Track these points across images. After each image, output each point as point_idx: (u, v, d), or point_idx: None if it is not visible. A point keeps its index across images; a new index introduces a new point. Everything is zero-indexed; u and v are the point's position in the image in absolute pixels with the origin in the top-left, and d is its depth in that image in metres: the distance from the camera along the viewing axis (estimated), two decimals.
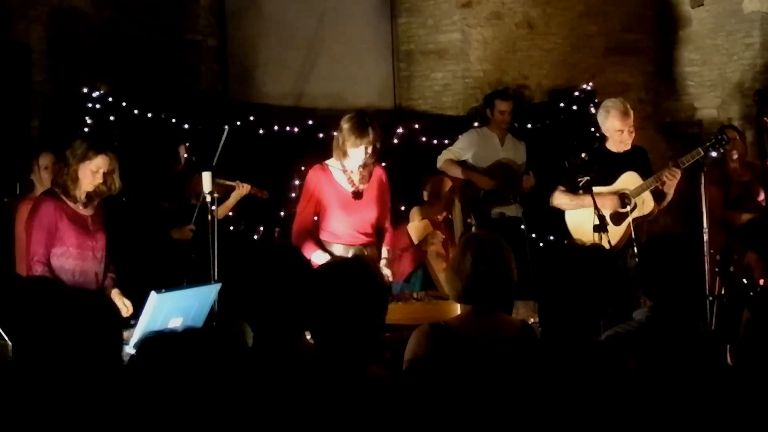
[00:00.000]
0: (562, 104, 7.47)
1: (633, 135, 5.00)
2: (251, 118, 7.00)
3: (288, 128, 7.07)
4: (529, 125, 7.22)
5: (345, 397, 2.19)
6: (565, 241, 5.14)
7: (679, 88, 7.80)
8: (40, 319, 2.40)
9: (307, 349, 2.40)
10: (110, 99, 6.57)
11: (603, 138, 5.10)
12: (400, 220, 6.12)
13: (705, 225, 4.83)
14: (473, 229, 5.20)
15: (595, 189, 4.69)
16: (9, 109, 6.21)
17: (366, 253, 4.41)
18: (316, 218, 4.53)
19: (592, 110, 7.11)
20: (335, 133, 4.47)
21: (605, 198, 4.80)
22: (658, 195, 4.94)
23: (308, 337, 2.46)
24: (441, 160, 6.23)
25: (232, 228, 6.39)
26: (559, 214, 5.12)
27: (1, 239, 5.01)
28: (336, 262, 2.58)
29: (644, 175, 4.91)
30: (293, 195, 6.42)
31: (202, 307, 3.63)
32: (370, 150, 4.36)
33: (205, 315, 3.67)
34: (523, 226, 5.57)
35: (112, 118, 6.56)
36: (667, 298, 2.85)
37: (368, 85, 7.91)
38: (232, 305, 2.78)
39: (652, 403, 2.51)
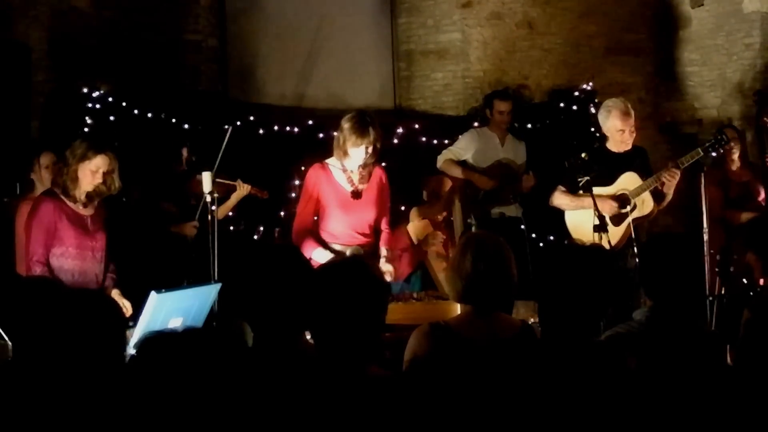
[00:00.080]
0: (562, 104, 7.48)
1: (634, 135, 5.00)
2: (251, 118, 7.00)
3: (288, 128, 7.06)
4: (529, 125, 7.22)
5: (345, 397, 2.19)
6: (565, 241, 5.14)
7: (679, 88, 7.80)
8: (42, 319, 2.40)
9: (307, 349, 2.40)
10: (110, 99, 6.57)
11: (603, 138, 5.10)
12: (400, 220, 6.12)
13: (705, 225, 4.83)
14: (473, 229, 5.20)
15: (595, 189, 4.69)
16: (9, 109, 6.22)
17: (362, 252, 4.41)
18: (316, 218, 4.53)
19: (592, 110, 7.12)
20: (335, 133, 4.47)
21: (604, 202, 4.79)
22: (657, 195, 4.94)
23: (308, 337, 2.46)
24: (441, 160, 6.22)
25: (232, 228, 6.39)
26: (559, 214, 5.12)
27: (1, 239, 5.01)
28: (336, 262, 2.58)
29: (644, 176, 4.91)
30: (293, 195, 6.42)
31: (202, 307, 3.62)
32: (370, 150, 4.36)
33: (205, 315, 3.67)
34: (523, 226, 5.57)
35: (112, 118, 6.56)
36: (667, 298, 2.85)
37: (368, 85, 7.90)
38: (232, 305, 2.78)
39: (652, 403, 2.51)
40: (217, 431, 1.85)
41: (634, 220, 4.83)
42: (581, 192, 4.76)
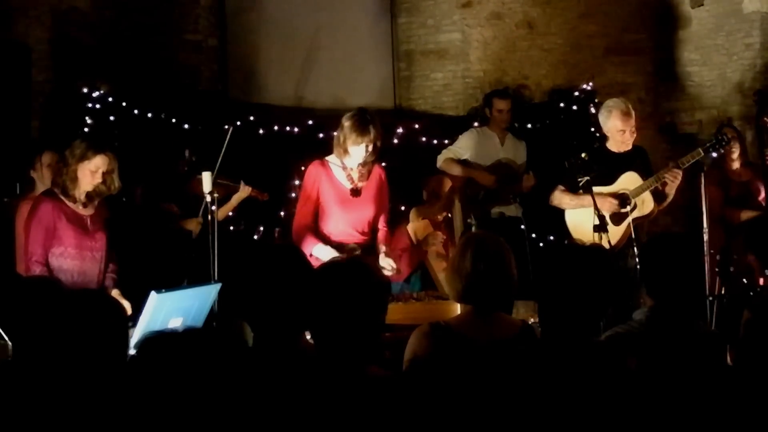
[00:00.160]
0: (562, 104, 7.47)
1: (635, 135, 5.00)
2: (251, 118, 7.00)
3: (288, 128, 7.06)
4: (529, 125, 7.22)
5: (345, 397, 2.19)
6: (565, 241, 5.14)
7: (679, 88, 7.79)
8: (43, 319, 2.41)
9: (307, 349, 2.40)
10: (110, 99, 6.57)
11: (603, 138, 5.11)
12: (400, 220, 6.12)
13: (705, 225, 4.83)
14: (473, 229, 5.20)
15: (596, 189, 4.69)
16: (9, 109, 6.21)
17: (359, 250, 4.40)
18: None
19: (592, 110, 7.12)
20: (336, 132, 4.47)
21: (604, 200, 4.80)
22: (658, 195, 4.94)
23: (308, 337, 2.46)
24: (441, 160, 6.23)
25: (232, 228, 6.39)
26: (559, 214, 5.12)
27: (1, 239, 5.01)
28: (336, 262, 2.58)
29: (644, 175, 4.91)
30: (293, 195, 6.42)
31: (202, 307, 3.62)
32: (371, 148, 4.35)
33: (205, 315, 3.67)
34: (523, 226, 5.56)
35: (112, 118, 6.56)
36: (667, 298, 2.85)
37: (368, 85, 7.90)
38: (232, 305, 2.78)
39: (652, 403, 2.51)
40: (217, 431, 1.85)
41: (634, 220, 4.83)
42: (581, 192, 4.76)
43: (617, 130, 4.96)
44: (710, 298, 4.81)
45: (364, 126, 4.31)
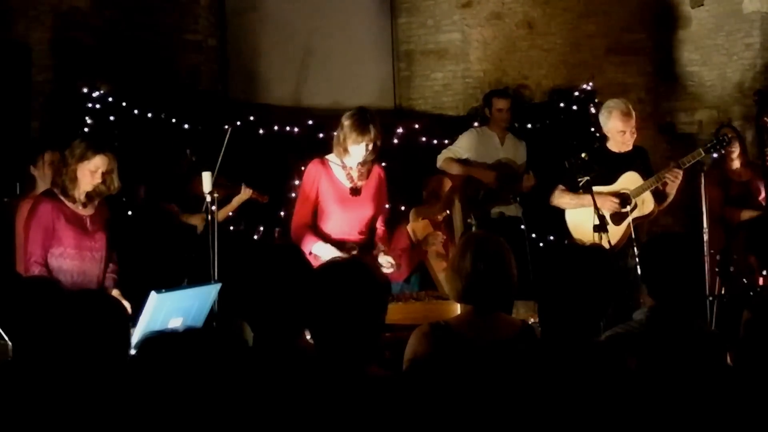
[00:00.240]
0: (562, 104, 7.47)
1: (635, 136, 5.00)
2: (251, 118, 7.00)
3: (288, 128, 7.07)
4: (529, 125, 7.22)
5: (345, 397, 2.19)
6: (565, 241, 5.14)
7: (679, 88, 7.80)
8: (44, 319, 2.41)
9: (306, 349, 2.40)
10: (110, 99, 6.57)
11: (604, 138, 5.11)
12: (401, 220, 6.12)
13: (705, 225, 4.83)
14: (473, 229, 5.20)
15: (596, 189, 4.69)
16: (9, 109, 6.21)
17: (356, 249, 4.40)
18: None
19: (592, 110, 7.12)
20: (336, 132, 4.46)
21: (605, 199, 4.80)
22: (659, 195, 4.94)
23: (308, 337, 2.46)
24: (441, 159, 6.23)
25: (232, 228, 6.40)
26: (559, 214, 5.12)
27: (2, 239, 5.01)
28: (336, 262, 2.58)
29: (645, 175, 4.91)
30: (293, 195, 6.42)
31: (202, 307, 3.62)
32: (371, 147, 4.35)
33: (205, 315, 3.67)
34: (523, 226, 5.56)
35: (112, 118, 6.56)
36: (667, 298, 2.85)
37: (368, 85, 7.90)
38: (232, 305, 2.79)
39: (652, 403, 2.51)
40: (217, 431, 1.85)
41: (634, 220, 4.83)
42: (581, 192, 4.76)
43: (618, 130, 4.96)
44: (710, 298, 4.81)
45: (364, 125, 4.31)
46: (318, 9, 7.80)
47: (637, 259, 4.21)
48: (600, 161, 4.89)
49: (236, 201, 5.89)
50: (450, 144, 6.40)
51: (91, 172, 4.16)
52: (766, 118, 6.29)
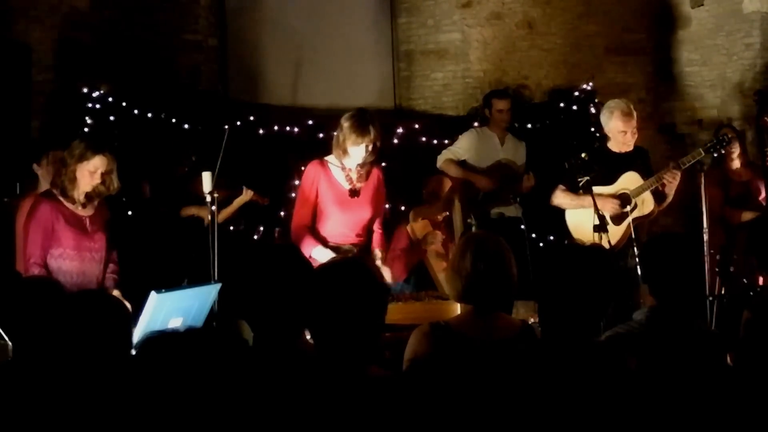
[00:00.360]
0: (562, 104, 7.47)
1: (636, 136, 5.01)
2: (251, 118, 7.00)
3: (288, 128, 7.07)
4: (529, 125, 7.22)
5: (345, 397, 2.19)
6: (565, 241, 5.14)
7: (679, 88, 7.80)
8: (46, 319, 2.41)
9: (306, 349, 2.40)
10: (110, 99, 6.57)
11: (605, 138, 5.11)
12: (401, 220, 6.12)
13: (705, 225, 4.83)
14: (473, 229, 5.20)
15: (596, 189, 4.69)
16: (9, 109, 6.21)
17: (355, 251, 4.40)
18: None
19: (592, 110, 7.13)
20: (335, 133, 4.46)
21: (606, 201, 4.80)
22: (658, 195, 4.94)
23: (308, 337, 2.46)
24: (441, 160, 6.23)
25: (232, 228, 6.40)
26: (559, 214, 5.12)
27: (2, 239, 5.01)
28: (336, 262, 2.58)
29: (645, 176, 4.91)
30: (293, 195, 6.42)
31: (202, 307, 3.62)
32: (370, 148, 4.34)
33: (205, 315, 3.67)
34: (523, 226, 5.56)
35: (112, 118, 6.56)
36: (668, 298, 2.85)
37: (368, 85, 7.90)
38: (232, 305, 2.79)
39: (652, 403, 2.51)
40: (218, 431, 1.85)
41: (634, 219, 4.83)
42: (581, 192, 4.76)
43: (618, 130, 4.97)
44: (710, 298, 4.81)
45: (364, 126, 4.30)
46: (318, 9, 7.80)
47: (637, 259, 4.21)
48: (600, 161, 4.89)
49: (237, 203, 5.92)
50: (450, 144, 6.40)
51: (90, 173, 4.15)
52: (766, 118, 6.29)
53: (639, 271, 3.92)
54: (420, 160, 6.70)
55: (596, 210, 4.53)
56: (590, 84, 7.54)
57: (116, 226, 4.50)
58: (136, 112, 6.66)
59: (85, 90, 6.53)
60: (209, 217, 5.39)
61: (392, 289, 4.63)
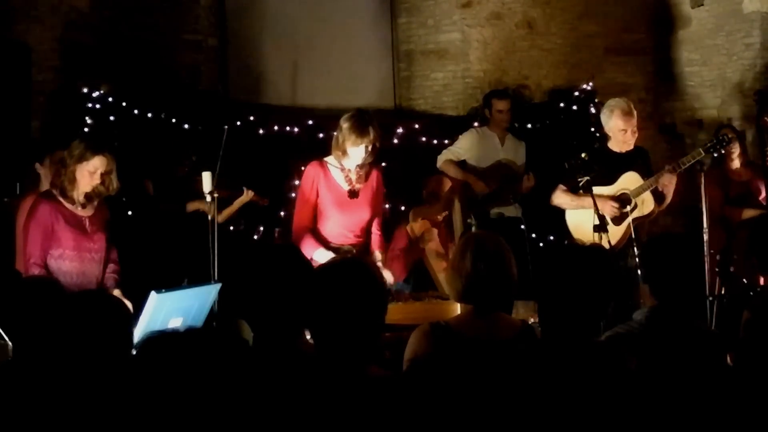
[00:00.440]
0: (562, 104, 7.47)
1: (636, 135, 5.00)
2: (251, 118, 7.01)
3: (288, 128, 7.07)
4: (529, 125, 7.22)
5: (345, 397, 2.19)
6: (565, 241, 5.14)
7: (679, 88, 7.80)
8: (47, 319, 2.41)
9: (306, 349, 2.40)
10: (110, 99, 6.58)
11: (605, 137, 5.11)
12: (400, 220, 6.12)
13: (705, 225, 4.83)
14: (473, 229, 5.20)
15: (596, 189, 4.69)
16: (9, 109, 6.21)
17: (354, 252, 4.40)
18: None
19: (592, 110, 7.13)
20: (334, 134, 4.46)
21: (605, 203, 4.79)
22: (658, 196, 4.94)
23: (308, 337, 2.46)
24: (441, 160, 6.23)
25: (232, 228, 6.40)
26: (559, 214, 5.12)
27: (2, 239, 5.01)
28: (336, 262, 2.58)
29: (645, 176, 4.91)
30: (293, 195, 6.42)
31: (202, 307, 3.62)
32: (369, 149, 4.34)
33: (205, 315, 3.67)
34: (523, 226, 5.57)
35: (112, 118, 6.56)
36: (668, 298, 2.85)
37: (368, 85, 7.90)
38: (232, 305, 2.78)
39: (652, 404, 2.51)
40: (218, 431, 1.85)
41: (634, 220, 4.83)
42: (582, 192, 4.76)
43: (619, 129, 4.97)
44: (710, 298, 4.80)
45: (363, 127, 4.29)
46: (318, 9, 7.80)
47: (637, 259, 4.21)
48: (600, 161, 4.89)
49: (237, 203, 5.93)
50: (450, 144, 6.40)
51: (89, 173, 4.15)
52: (766, 118, 6.29)
53: (639, 271, 3.92)
54: (420, 160, 6.70)
55: (596, 210, 4.53)
56: (590, 84, 7.54)
57: (116, 226, 4.49)
58: (136, 112, 6.66)
59: (85, 90, 6.53)
60: (212, 210, 5.41)
61: (393, 287, 4.64)
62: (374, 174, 4.54)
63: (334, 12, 7.85)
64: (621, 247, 4.81)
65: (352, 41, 7.91)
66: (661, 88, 7.86)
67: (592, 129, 6.81)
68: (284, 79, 7.73)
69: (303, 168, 4.59)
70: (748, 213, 5.79)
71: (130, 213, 6.20)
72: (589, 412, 2.36)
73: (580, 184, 4.68)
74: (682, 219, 6.66)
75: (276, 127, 7.06)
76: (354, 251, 4.41)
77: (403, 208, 6.37)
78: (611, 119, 5.00)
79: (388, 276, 4.39)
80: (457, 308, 3.41)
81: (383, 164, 4.69)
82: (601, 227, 4.48)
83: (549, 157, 6.08)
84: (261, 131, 7.02)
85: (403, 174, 6.52)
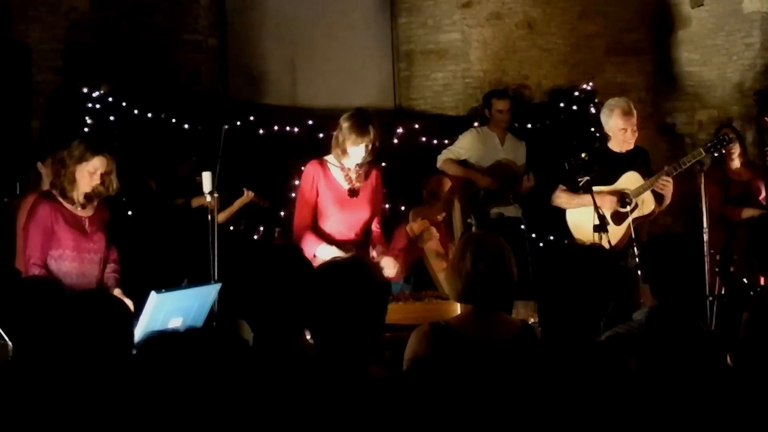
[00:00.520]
0: (562, 104, 7.48)
1: (636, 134, 5.00)
2: (251, 118, 7.01)
3: (288, 128, 7.07)
4: (529, 125, 7.23)
5: (345, 397, 2.19)
6: (565, 241, 5.14)
7: (679, 88, 7.80)
8: (47, 319, 2.41)
9: (306, 349, 2.40)
10: (110, 99, 6.58)
11: (605, 137, 5.10)
12: (400, 220, 6.11)
13: (705, 225, 4.83)
14: (473, 229, 5.20)
15: (596, 188, 4.69)
16: (9, 109, 6.22)
17: (353, 250, 4.39)
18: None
19: (592, 110, 7.13)
20: (334, 133, 4.46)
21: (605, 197, 4.80)
22: (658, 196, 4.94)
23: (308, 337, 2.46)
24: (441, 160, 6.23)
25: (232, 228, 6.40)
26: (559, 214, 5.12)
27: (2, 239, 5.01)
28: (336, 262, 2.58)
29: (645, 176, 4.91)
30: (293, 195, 6.42)
31: (202, 307, 3.62)
32: (370, 148, 4.34)
33: (205, 315, 3.67)
34: (523, 226, 5.57)
35: (112, 118, 6.57)
36: (668, 298, 2.85)
37: (368, 85, 7.90)
38: (232, 305, 2.79)
39: (652, 404, 2.51)
40: (218, 431, 1.85)
41: (634, 220, 4.83)
42: (582, 192, 4.76)
43: (619, 128, 4.96)
44: (710, 298, 4.81)
45: (363, 126, 4.29)
46: (318, 9, 7.80)
47: (637, 259, 4.21)
48: (600, 161, 4.89)
49: (237, 204, 5.94)
50: (450, 144, 6.40)
51: (89, 174, 4.14)
52: (766, 118, 6.29)
53: (639, 271, 3.92)
54: (420, 160, 6.70)
55: (596, 210, 4.53)
56: (590, 84, 7.54)
57: (117, 226, 4.49)
58: (136, 112, 6.66)
59: (86, 90, 6.53)
60: (213, 205, 5.42)
61: (395, 286, 4.65)
62: (374, 173, 4.54)
63: (334, 12, 7.85)
64: (621, 247, 4.80)
65: (352, 41, 7.91)
66: (661, 88, 7.86)
67: (592, 129, 6.81)
68: (284, 79, 7.73)
69: (303, 168, 4.59)
70: (748, 213, 5.79)
71: (130, 213, 6.20)
72: (589, 412, 2.36)
73: (580, 184, 4.68)
74: (682, 219, 6.67)
75: (276, 127, 7.06)
76: (354, 249, 4.40)
77: (403, 208, 6.36)
78: (611, 118, 4.99)
79: (390, 263, 4.38)
80: (457, 308, 3.41)
81: (383, 164, 4.68)
82: (601, 227, 4.48)
83: (549, 157, 6.08)
84: (261, 131, 7.02)
85: (403, 174, 6.51)
